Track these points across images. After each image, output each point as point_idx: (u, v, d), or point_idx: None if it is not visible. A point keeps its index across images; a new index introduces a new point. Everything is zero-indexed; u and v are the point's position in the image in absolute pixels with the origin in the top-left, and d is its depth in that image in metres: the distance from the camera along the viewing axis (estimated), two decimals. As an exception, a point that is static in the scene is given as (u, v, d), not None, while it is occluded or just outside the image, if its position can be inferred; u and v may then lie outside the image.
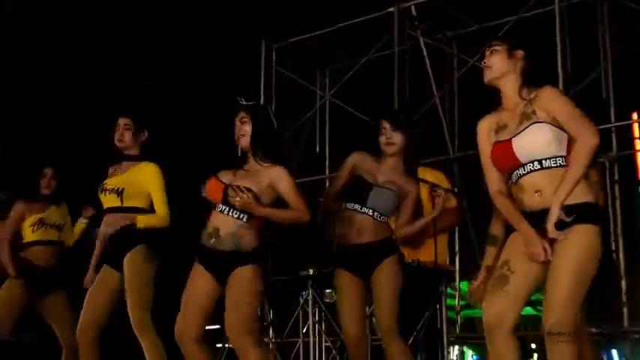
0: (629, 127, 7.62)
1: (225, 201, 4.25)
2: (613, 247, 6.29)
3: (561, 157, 3.46)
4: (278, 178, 4.29)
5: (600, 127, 6.54)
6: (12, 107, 8.22)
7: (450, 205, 5.43)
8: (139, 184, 4.94)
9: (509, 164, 3.55)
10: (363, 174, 4.72)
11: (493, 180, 3.69)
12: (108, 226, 4.94)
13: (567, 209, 3.36)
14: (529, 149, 3.48)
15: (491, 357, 3.49)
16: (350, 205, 4.69)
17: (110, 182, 4.99)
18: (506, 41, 3.71)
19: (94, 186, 5.12)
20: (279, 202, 4.32)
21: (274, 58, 8.34)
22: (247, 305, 4.19)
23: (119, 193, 4.90)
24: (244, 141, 4.37)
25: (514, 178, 3.55)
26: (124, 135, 5.04)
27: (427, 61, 7.37)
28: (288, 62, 8.30)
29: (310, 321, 6.30)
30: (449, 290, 6.54)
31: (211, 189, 4.34)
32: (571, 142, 3.46)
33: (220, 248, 4.23)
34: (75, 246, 5.87)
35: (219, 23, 8.86)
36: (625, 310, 6.20)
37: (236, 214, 4.24)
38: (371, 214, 4.64)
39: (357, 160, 4.80)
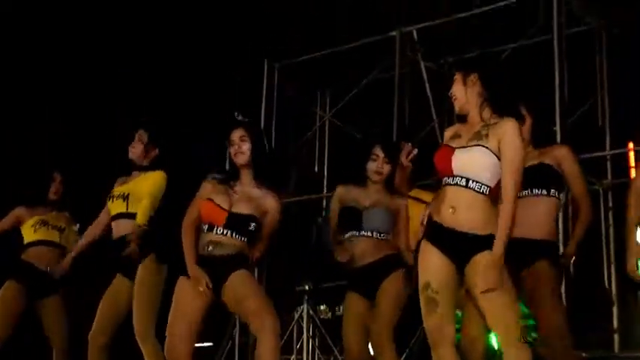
0: (625, 156, 7.71)
1: (228, 226, 4.32)
2: (605, 273, 6.37)
3: (487, 186, 3.61)
4: (271, 209, 4.43)
5: (595, 154, 6.69)
6: (16, 112, 8.29)
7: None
8: (143, 190, 5.01)
9: (444, 170, 3.70)
10: (350, 203, 4.84)
11: None
12: (118, 232, 5.00)
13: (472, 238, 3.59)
14: (465, 165, 3.64)
15: None
16: (348, 234, 4.80)
17: (118, 189, 5.06)
18: (461, 68, 3.82)
19: (98, 194, 5.20)
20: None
21: (276, 77, 8.43)
22: (257, 292, 4.27)
23: (125, 198, 4.97)
24: (242, 159, 4.41)
25: (443, 183, 3.72)
26: (136, 147, 5.11)
27: (427, 85, 7.45)
28: (289, 82, 8.39)
29: (305, 336, 6.33)
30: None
31: (209, 211, 4.37)
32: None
33: (216, 254, 4.28)
34: None
35: (222, 42, 8.96)
36: (616, 336, 6.26)
37: (238, 237, 4.31)
38: (370, 235, 4.74)
39: (341, 193, 4.93)
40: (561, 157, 4.45)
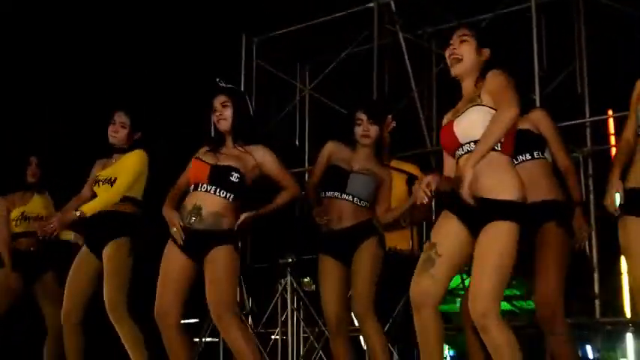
0: (605, 124, 7.74)
1: (212, 180, 4.32)
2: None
3: (498, 142, 3.50)
4: (264, 158, 4.46)
5: (575, 121, 6.71)
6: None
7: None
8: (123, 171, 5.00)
9: (451, 145, 3.66)
10: (339, 162, 4.83)
11: (445, 165, 3.82)
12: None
13: (490, 203, 3.44)
14: (466, 129, 3.58)
15: (418, 331, 3.67)
16: (330, 193, 4.79)
17: (103, 173, 5.04)
18: (476, 34, 3.73)
19: (78, 176, 5.18)
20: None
21: (255, 51, 8.38)
22: (227, 282, 4.30)
23: (112, 182, 4.96)
24: (225, 124, 4.47)
25: (456, 159, 3.65)
26: (118, 132, 5.08)
27: (406, 56, 7.43)
28: (268, 56, 8.35)
29: (289, 309, 6.33)
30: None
31: (195, 168, 4.40)
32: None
33: (197, 227, 4.30)
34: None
35: (200, 16, 8.90)
36: (597, 302, 6.31)
37: (223, 193, 4.33)
38: (351, 199, 4.74)
39: (331, 149, 4.91)
40: (537, 120, 4.45)
